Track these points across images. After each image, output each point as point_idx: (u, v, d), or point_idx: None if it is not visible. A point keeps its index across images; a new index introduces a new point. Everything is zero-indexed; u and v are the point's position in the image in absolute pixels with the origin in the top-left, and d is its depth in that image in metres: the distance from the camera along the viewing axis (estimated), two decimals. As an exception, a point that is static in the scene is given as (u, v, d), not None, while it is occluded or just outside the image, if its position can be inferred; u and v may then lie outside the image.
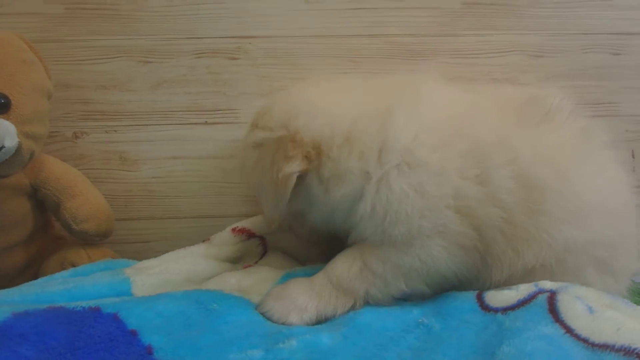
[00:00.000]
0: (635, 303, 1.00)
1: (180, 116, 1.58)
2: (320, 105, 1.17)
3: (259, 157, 1.17)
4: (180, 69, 1.56)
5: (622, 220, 1.15)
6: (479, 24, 1.59)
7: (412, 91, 1.17)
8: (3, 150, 1.23)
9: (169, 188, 1.62)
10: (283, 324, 1.08)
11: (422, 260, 1.09)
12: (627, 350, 0.83)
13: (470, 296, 1.08)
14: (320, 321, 1.11)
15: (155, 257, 1.33)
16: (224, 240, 1.41)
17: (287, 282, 1.18)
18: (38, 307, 0.99)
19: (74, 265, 1.35)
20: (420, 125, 1.10)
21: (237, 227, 1.43)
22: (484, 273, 1.12)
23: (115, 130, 1.58)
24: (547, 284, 1.04)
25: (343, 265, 1.14)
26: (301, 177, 1.13)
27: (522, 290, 1.03)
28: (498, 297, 1.04)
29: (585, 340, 0.88)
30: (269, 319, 1.10)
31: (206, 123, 1.59)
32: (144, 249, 1.58)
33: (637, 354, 0.82)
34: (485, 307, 1.03)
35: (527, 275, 1.08)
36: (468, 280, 1.13)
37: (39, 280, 1.22)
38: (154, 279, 1.23)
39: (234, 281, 1.24)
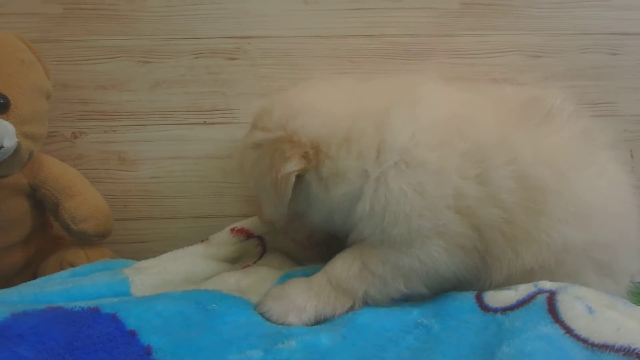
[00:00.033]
0: (634, 303, 1.00)
1: (179, 116, 1.58)
2: (319, 106, 1.18)
3: (258, 158, 1.17)
4: (179, 69, 1.56)
5: (623, 222, 1.15)
6: (477, 24, 1.59)
7: (411, 91, 1.17)
8: (2, 150, 1.23)
9: (168, 188, 1.62)
10: (282, 324, 1.08)
11: (421, 261, 1.09)
12: (627, 351, 0.83)
13: (469, 296, 1.08)
14: (319, 321, 1.11)
15: (153, 257, 1.33)
16: (223, 241, 1.41)
17: (286, 282, 1.18)
18: (36, 307, 0.99)
19: (72, 266, 1.35)
20: (418, 124, 1.10)
21: (236, 227, 1.43)
22: (484, 273, 1.12)
23: (114, 130, 1.58)
24: (547, 284, 1.04)
25: (342, 266, 1.14)
26: (300, 177, 1.13)
27: (522, 291, 1.03)
28: (497, 297, 1.04)
29: (585, 341, 0.88)
30: (267, 319, 1.09)
31: (205, 123, 1.59)
32: (142, 249, 1.58)
33: (636, 354, 0.82)
34: (484, 308, 1.03)
35: (527, 277, 1.08)
36: (468, 281, 1.13)
37: (38, 280, 1.22)
38: (152, 279, 1.23)
39: (233, 281, 1.24)
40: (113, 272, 1.25)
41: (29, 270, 1.41)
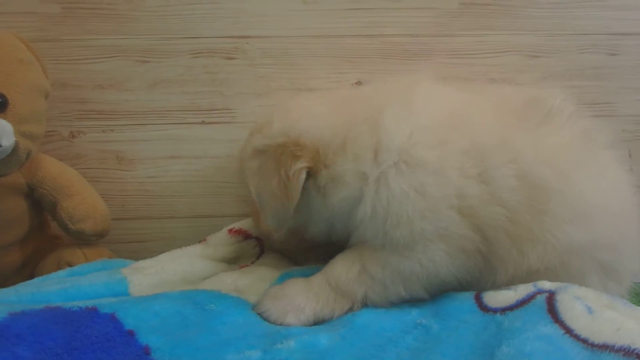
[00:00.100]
0: (634, 303, 1.00)
1: (177, 116, 1.58)
2: (318, 114, 1.18)
3: (262, 164, 1.15)
4: (177, 68, 1.56)
5: (624, 221, 1.15)
6: (476, 24, 1.59)
7: (405, 91, 1.17)
8: (0, 149, 1.23)
9: (166, 188, 1.62)
10: (280, 324, 1.08)
11: (422, 265, 1.08)
12: (626, 351, 0.83)
13: (468, 297, 1.08)
14: (318, 322, 1.10)
15: (151, 257, 1.33)
16: (221, 241, 1.41)
17: (285, 282, 1.17)
18: (34, 307, 0.99)
19: (70, 265, 1.35)
20: (414, 123, 1.10)
21: (234, 227, 1.43)
22: (487, 275, 1.11)
23: (112, 130, 1.58)
24: (546, 284, 1.04)
25: (342, 268, 1.14)
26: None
27: (521, 291, 1.03)
28: (497, 298, 1.04)
29: (584, 341, 0.87)
30: (266, 319, 1.09)
31: (203, 123, 1.59)
32: (140, 249, 1.58)
33: (636, 354, 0.82)
34: (484, 308, 1.03)
35: (532, 278, 1.07)
36: (469, 283, 1.12)
37: (35, 280, 1.22)
38: (150, 279, 1.23)
39: (231, 281, 1.24)
40: (111, 271, 1.24)
41: (27, 270, 1.41)
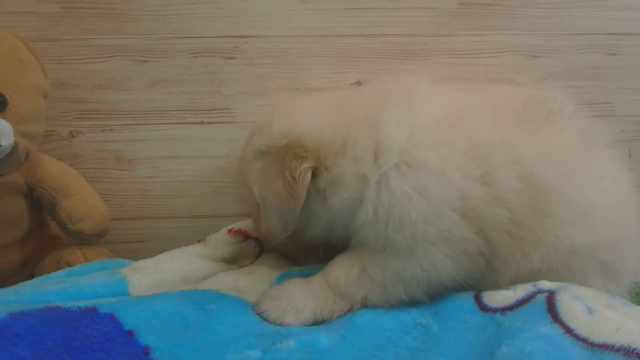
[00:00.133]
0: (634, 303, 1.00)
1: (176, 115, 1.58)
2: (318, 115, 1.17)
3: (265, 166, 1.15)
4: (177, 68, 1.56)
5: (625, 221, 1.15)
6: (475, 24, 1.59)
7: (405, 92, 1.17)
8: (-1, 149, 1.23)
9: (165, 188, 1.62)
10: (280, 324, 1.08)
11: (423, 269, 1.07)
12: (627, 350, 0.83)
13: (468, 297, 1.08)
14: (317, 323, 1.10)
15: (150, 257, 1.33)
16: (220, 241, 1.41)
17: (285, 282, 1.17)
18: (34, 307, 0.99)
19: (69, 265, 1.35)
20: (414, 124, 1.09)
21: (233, 228, 1.42)
22: (489, 277, 1.11)
23: (111, 130, 1.57)
24: (546, 284, 1.04)
25: (341, 270, 1.13)
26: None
27: (520, 291, 1.04)
28: (496, 298, 1.04)
29: (584, 340, 0.88)
30: (265, 319, 1.09)
31: (202, 122, 1.59)
32: (139, 249, 1.58)
33: (637, 354, 0.82)
34: (483, 308, 1.03)
35: (534, 279, 1.07)
36: (470, 286, 1.12)
37: (35, 280, 1.22)
38: (149, 278, 1.23)
39: (230, 281, 1.24)
40: (110, 271, 1.25)
41: (26, 270, 1.41)
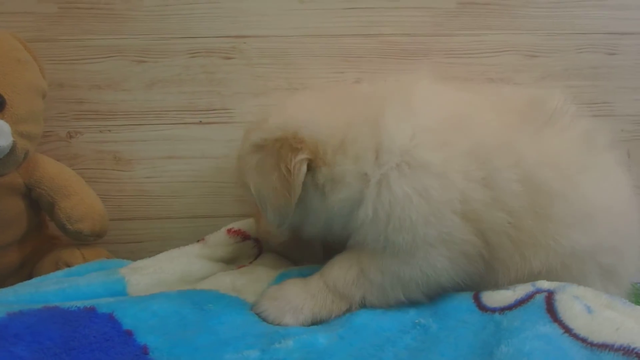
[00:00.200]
0: (633, 303, 1.00)
1: (174, 116, 1.58)
2: (316, 110, 1.17)
3: (261, 159, 1.14)
4: (175, 68, 1.56)
5: (626, 223, 1.15)
6: (473, 24, 1.59)
7: (405, 91, 1.16)
8: (-2, 149, 1.23)
9: (163, 188, 1.62)
10: (278, 324, 1.08)
11: (423, 271, 1.07)
12: (626, 350, 0.83)
13: (467, 296, 1.08)
14: (316, 323, 1.10)
15: (149, 257, 1.33)
16: (219, 241, 1.40)
17: (283, 282, 1.17)
18: (33, 307, 0.99)
19: (68, 265, 1.35)
20: (416, 124, 1.09)
21: (233, 228, 1.42)
22: (489, 279, 1.11)
23: (109, 130, 1.57)
24: (545, 284, 1.04)
25: (340, 270, 1.13)
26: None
27: (519, 290, 1.03)
28: (495, 297, 1.04)
29: (584, 340, 0.88)
30: (264, 319, 1.09)
31: (200, 123, 1.59)
32: (138, 249, 1.58)
33: (636, 353, 0.82)
34: (482, 307, 1.03)
35: (533, 280, 1.07)
36: (469, 287, 1.12)
37: (34, 280, 1.22)
38: (148, 278, 1.23)
39: (229, 281, 1.24)
40: (109, 272, 1.24)
41: (25, 270, 1.41)
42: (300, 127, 1.12)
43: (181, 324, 1.02)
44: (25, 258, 1.40)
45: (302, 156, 1.08)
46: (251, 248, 1.43)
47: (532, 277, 1.07)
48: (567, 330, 0.90)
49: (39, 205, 1.41)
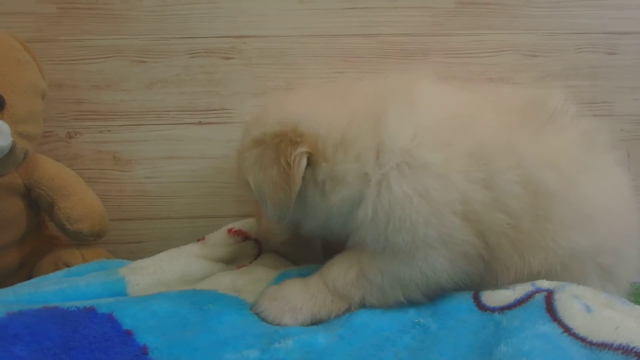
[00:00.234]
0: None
1: (174, 116, 1.58)
2: (315, 106, 1.16)
3: (260, 153, 1.13)
4: (174, 68, 1.56)
5: (626, 224, 1.15)
6: (473, 24, 1.59)
7: (406, 90, 1.15)
8: (-3, 149, 1.23)
9: (163, 188, 1.62)
10: (278, 324, 1.08)
11: (423, 272, 1.07)
12: (625, 349, 0.83)
13: (466, 296, 1.08)
14: (315, 323, 1.10)
15: (149, 257, 1.33)
16: (219, 241, 1.40)
17: (282, 282, 1.17)
18: (32, 307, 0.99)
19: (68, 266, 1.35)
20: (417, 124, 1.08)
21: (233, 228, 1.42)
22: (488, 279, 1.11)
23: (109, 130, 1.57)
24: (544, 283, 1.03)
25: (339, 270, 1.13)
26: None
27: (519, 290, 1.03)
28: (495, 297, 1.04)
29: (583, 339, 0.88)
30: (263, 319, 1.09)
31: (200, 123, 1.59)
32: (137, 249, 1.58)
33: (635, 352, 0.82)
34: (482, 307, 1.03)
35: (532, 280, 1.06)
36: (469, 287, 1.11)
37: (33, 280, 1.22)
38: (148, 279, 1.23)
39: (229, 281, 1.24)
40: (109, 272, 1.24)
41: (24, 270, 1.41)
42: (300, 122, 1.11)
43: (181, 324, 1.02)
44: (24, 258, 1.40)
45: (302, 149, 1.08)
46: (251, 248, 1.43)
47: (532, 278, 1.07)
48: (567, 329, 0.90)
49: (38, 205, 1.41)
